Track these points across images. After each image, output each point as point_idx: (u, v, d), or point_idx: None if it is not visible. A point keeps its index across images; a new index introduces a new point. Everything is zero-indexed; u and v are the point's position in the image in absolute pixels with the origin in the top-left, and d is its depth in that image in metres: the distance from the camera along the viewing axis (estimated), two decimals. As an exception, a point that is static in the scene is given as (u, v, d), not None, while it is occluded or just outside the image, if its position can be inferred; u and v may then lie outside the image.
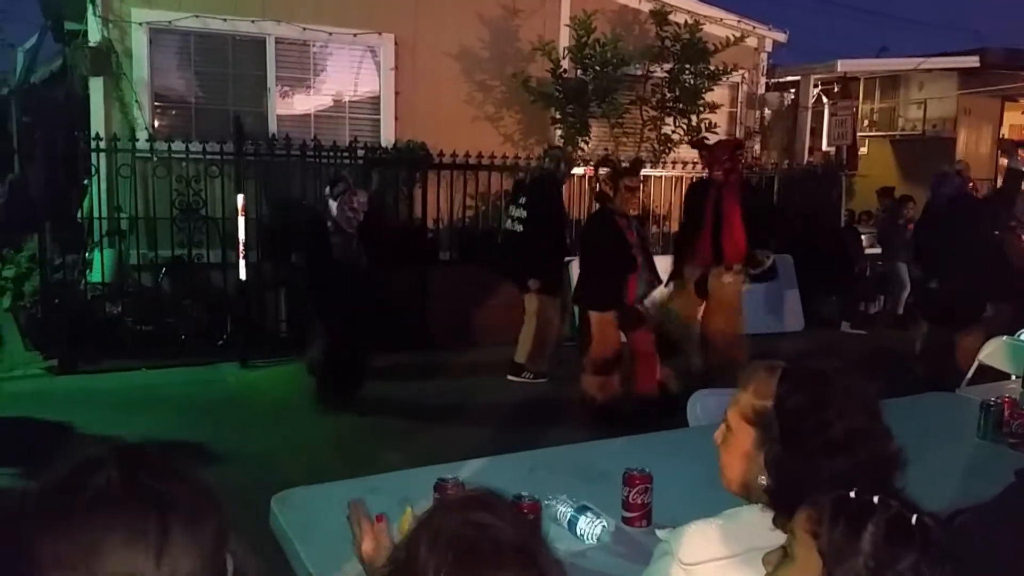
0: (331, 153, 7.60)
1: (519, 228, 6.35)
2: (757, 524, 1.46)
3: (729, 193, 5.80)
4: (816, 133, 11.98)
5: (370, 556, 1.50)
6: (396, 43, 8.40)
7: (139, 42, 7.49)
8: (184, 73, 7.84)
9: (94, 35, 7.37)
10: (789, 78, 11.68)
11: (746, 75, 10.19)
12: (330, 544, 1.88)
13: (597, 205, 5.94)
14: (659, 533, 1.54)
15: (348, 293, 5.37)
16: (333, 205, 5.45)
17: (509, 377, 6.50)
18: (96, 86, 7.41)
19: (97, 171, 7.00)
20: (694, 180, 7.04)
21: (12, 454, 3.91)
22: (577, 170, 8.85)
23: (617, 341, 5.58)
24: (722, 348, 5.77)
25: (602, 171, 5.75)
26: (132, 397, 5.68)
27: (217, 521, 0.92)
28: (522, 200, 6.43)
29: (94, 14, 7.34)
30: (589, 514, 2.05)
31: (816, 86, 11.88)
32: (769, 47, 10.61)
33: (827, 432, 1.41)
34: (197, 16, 7.56)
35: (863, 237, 9.85)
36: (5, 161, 9.20)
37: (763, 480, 1.49)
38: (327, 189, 5.63)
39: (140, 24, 7.46)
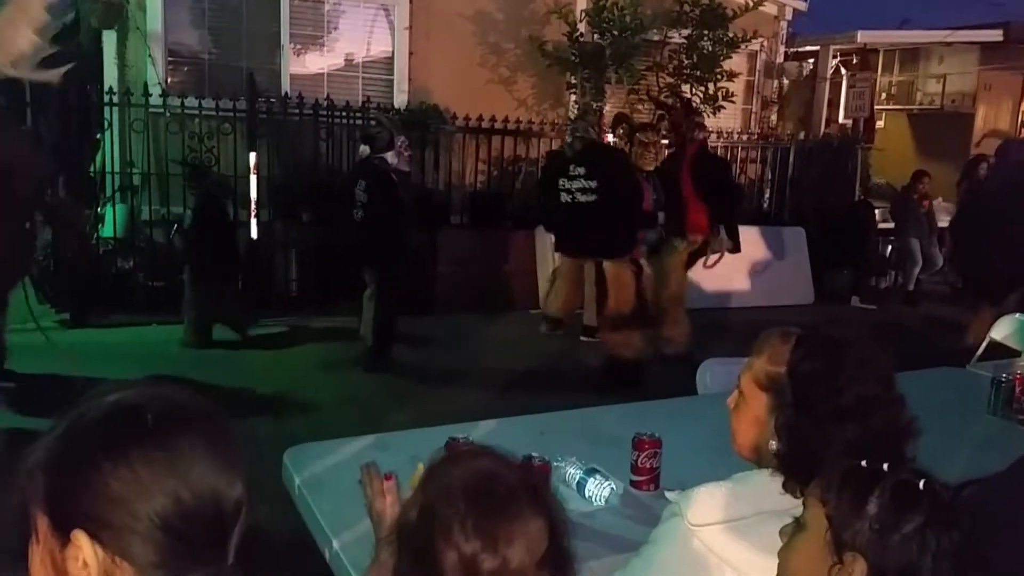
0: (344, 113, 7.55)
1: (589, 199, 5.80)
2: (766, 488, 1.47)
3: (685, 164, 5.75)
4: (833, 105, 11.84)
5: (381, 514, 1.52)
6: (411, 2, 8.31)
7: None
8: (198, 28, 7.78)
9: (107, -13, 7.30)
10: (808, 48, 11.51)
11: (765, 43, 10.03)
12: (342, 499, 1.90)
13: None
14: (668, 495, 1.55)
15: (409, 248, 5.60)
16: (390, 155, 5.45)
17: (583, 339, 6.59)
18: (109, 40, 7.36)
19: (110, 126, 6.98)
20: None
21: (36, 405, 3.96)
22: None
23: (634, 294, 5.60)
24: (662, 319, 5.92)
25: (619, 130, 5.73)
26: (142, 352, 5.71)
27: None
28: (580, 171, 5.86)
29: (107, -34, 7.27)
30: (598, 476, 2.06)
31: (835, 57, 11.71)
32: (789, 16, 10.45)
33: (839, 398, 1.41)
34: (210, -30, 7.48)
35: (876, 212, 9.78)
36: (18, 114, 9.17)
37: (773, 445, 1.50)
38: (365, 148, 5.60)
39: (153, -24, 7.39)
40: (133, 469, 0.88)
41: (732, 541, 1.39)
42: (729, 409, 1.65)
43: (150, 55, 7.35)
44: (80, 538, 0.88)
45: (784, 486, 1.44)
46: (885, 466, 1.12)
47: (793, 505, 1.33)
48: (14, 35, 2.66)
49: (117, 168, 7.09)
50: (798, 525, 1.17)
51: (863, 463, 1.13)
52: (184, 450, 0.90)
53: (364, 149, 5.61)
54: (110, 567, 0.88)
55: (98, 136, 7.27)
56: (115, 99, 6.94)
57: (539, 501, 1.04)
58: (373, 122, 6.11)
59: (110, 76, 7.29)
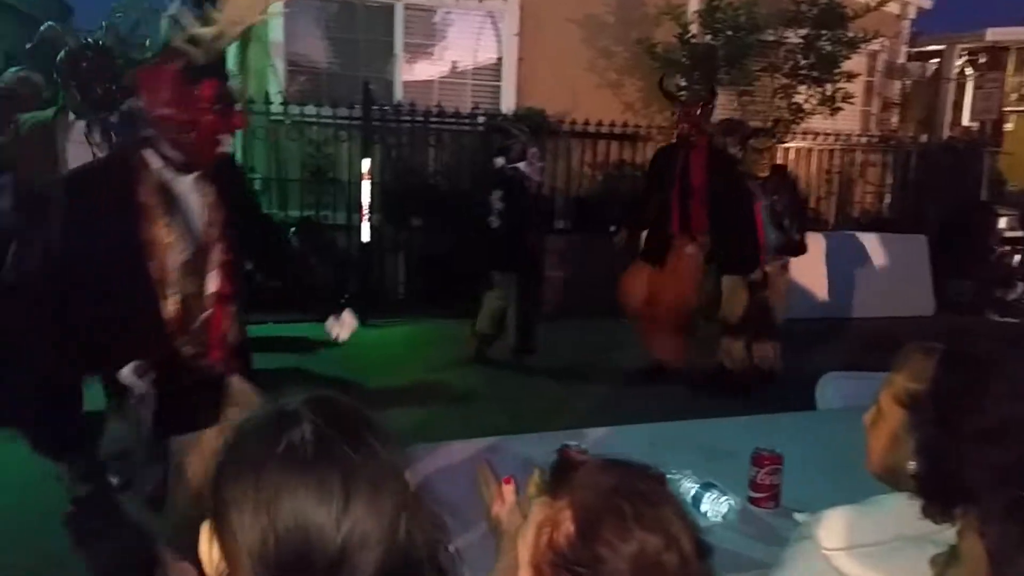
0: (453, 120, 7.68)
1: None
2: (904, 512, 1.39)
3: (697, 156, 5.34)
4: (958, 106, 11.25)
5: (498, 519, 1.52)
6: (521, 8, 8.37)
7: (274, 7, 7.71)
8: (316, 39, 8.07)
9: None
10: (932, 47, 10.99)
11: (886, 43, 9.63)
12: (455, 503, 1.91)
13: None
14: (797, 516, 1.50)
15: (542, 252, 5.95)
16: (523, 165, 5.75)
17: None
18: (233, 50, 7.71)
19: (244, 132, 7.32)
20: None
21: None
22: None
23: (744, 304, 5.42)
24: (668, 330, 5.47)
25: (730, 137, 5.57)
26: (256, 347, 5.93)
27: (399, 491, 0.93)
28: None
29: (233, -20, 7.61)
30: (715, 491, 2.01)
31: (961, 56, 11.13)
32: (912, 14, 10.00)
33: (984, 419, 1.33)
34: (329, -17, 7.74)
35: (1004, 219, 9.22)
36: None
37: (912, 466, 1.43)
38: (499, 159, 5.87)
39: (276, -10, 7.69)
40: (259, 485, 0.88)
41: (869, 567, 1.33)
42: (865, 425, 1.58)
43: (271, 64, 7.66)
44: (204, 528, 0.92)
45: (923, 511, 1.36)
46: None
47: (932, 531, 1.26)
48: None
49: (240, 173, 7.41)
50: (952, 556, 1.11)
51: None
52: (317, 484, 0.88)
53: (499, 160, 5.90)
54: (220, 566, 0.91)
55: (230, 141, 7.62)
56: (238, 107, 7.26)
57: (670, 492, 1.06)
58: (501, 131, 6.27)
59: (234, 84, 7.63)
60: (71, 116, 3.54)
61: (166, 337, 2.44)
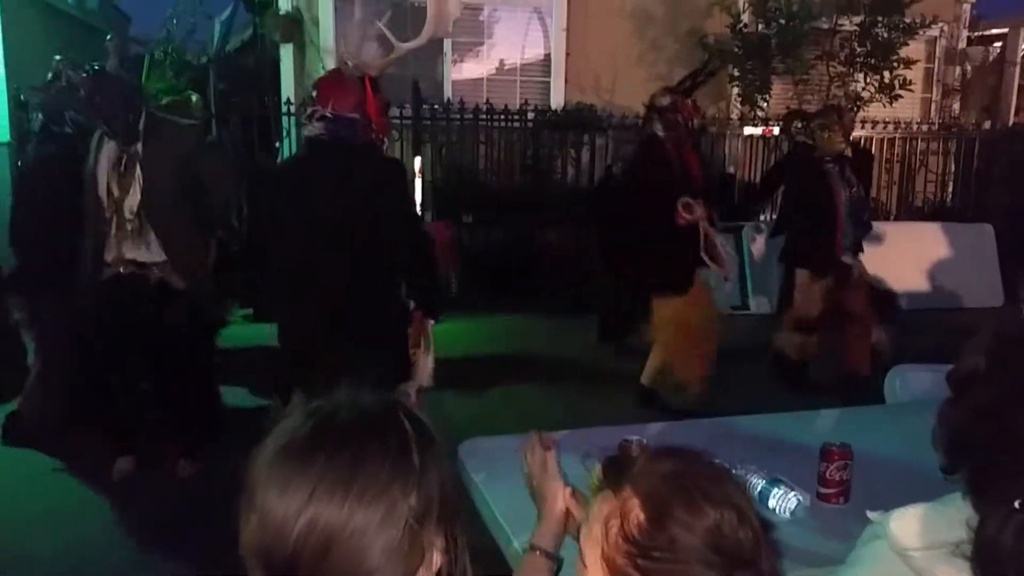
0: (503, 116, 7.66)
1: None
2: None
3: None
4: (1024, 91, 10.86)
5: (531, 475, 1.56)
6: (568, 3, 8.32)
7: (326, 10, 7.82)
8: (366, 40, 8.12)
9: (284, 4, 7.77)
10: (995, 31, 10.61)
11: (945, 28, 9.35)
12: (520, 495, 1.90)
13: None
14: (870, 515, 1.44)
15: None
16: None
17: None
18: (286, 53, 7.83)
19: (288, 135, 7.41)
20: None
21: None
22: (754, 130, 8.51)
23: (820, 301, 5.24)
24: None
25: (794, 127, 5.45)
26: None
27: (404, 497, 0.92)
28: None
29: (284, -17, 7.74)
30: (782, 486, 1.95)
31: (1026, 38, 10.73)
32: (973, -3, 9.69)
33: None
34: (379, -17, 7.79)
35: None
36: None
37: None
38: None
39: (327, -8, 7.78)
40: (249, 474, 0.92)
41: (947, 568, 1.27)
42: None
43: (323, 67, 7.74)
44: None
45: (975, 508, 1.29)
46: None
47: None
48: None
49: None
50: None
51: None
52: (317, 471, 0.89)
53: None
54: None
55: (277, 144, 7.74)
56: (292, 110, 7.36)
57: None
58: None
59: (287, 87, 7.75)
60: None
61: None
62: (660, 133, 4.63)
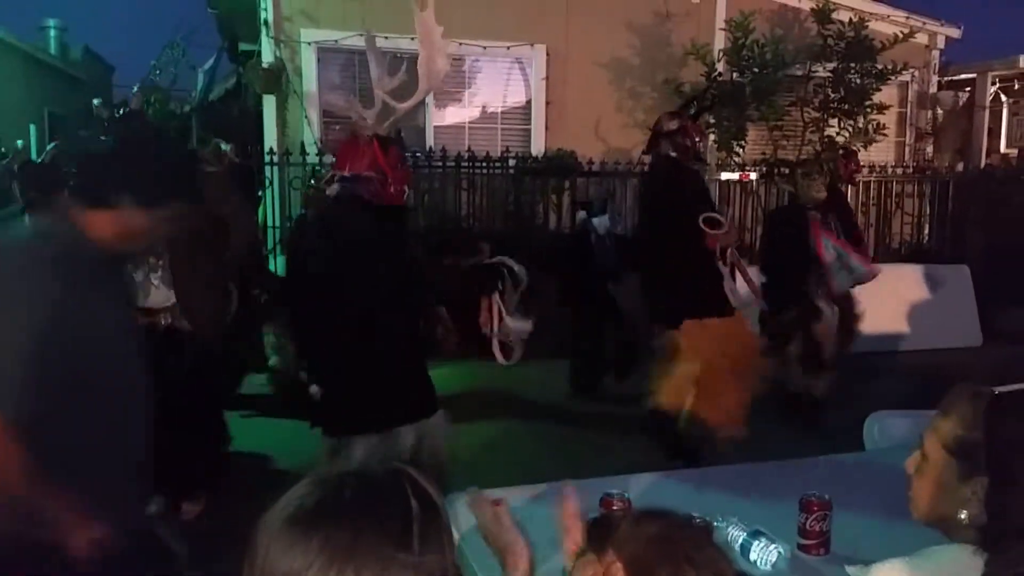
0: (484, 164, 7.75)
1: None
2: (961, 566, 1.35)
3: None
4: (994, 134, 11.12)
5: (487, 533, 1.48)
6: (548, 53, 8.47)
7: (308, 61, 7.92)
8: (349, 89, 8.22)
9: (267, 55, 7.86)
10: (964, 76, 10.90)
11: (916, 73, 9.59)
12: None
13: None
14: (849, 570, 1.46)
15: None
16: (601, 221, 6.18)
17: None
18: (269, 103, 7.90)
19: (270, 183, 7.45)
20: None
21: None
22: (730, 175, 8.63)
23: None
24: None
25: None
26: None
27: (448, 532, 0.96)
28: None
29: (267, 35, 7.83)
30: (763, 539, 1.96)
31: (994, 84, 11.02)
32: (941, 43, 9.94)
33: None
34: (362, 35, 7.90)
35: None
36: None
37: (964, 516, 1.38)
38: (582, 213, 6.42)
39: (309, 43, 7.89)
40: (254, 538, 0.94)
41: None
42: (908, 473, 1.53)
43: (306, 116, 7.82)
44: None
45: (987, 565, 1.31)
46: None
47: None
48: (436, 58, 3.63)
49: (278, 223, 7.54)
50: None
51: None
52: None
53: (581, 213, 6.30)
54: None
55: (260, 193, 7.78)
56: (275, 159, 7.41)
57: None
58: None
59: (270, 136, 7.81)
60: None
61: None
62: (673, 154, 4.57)
